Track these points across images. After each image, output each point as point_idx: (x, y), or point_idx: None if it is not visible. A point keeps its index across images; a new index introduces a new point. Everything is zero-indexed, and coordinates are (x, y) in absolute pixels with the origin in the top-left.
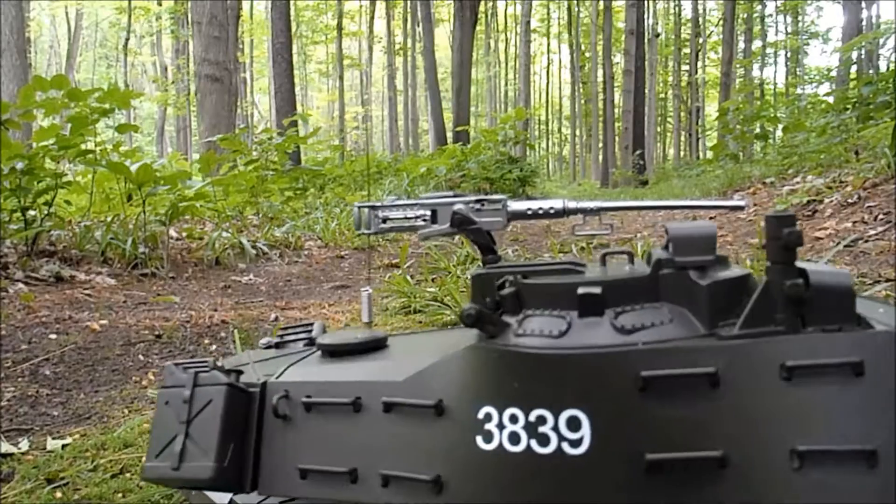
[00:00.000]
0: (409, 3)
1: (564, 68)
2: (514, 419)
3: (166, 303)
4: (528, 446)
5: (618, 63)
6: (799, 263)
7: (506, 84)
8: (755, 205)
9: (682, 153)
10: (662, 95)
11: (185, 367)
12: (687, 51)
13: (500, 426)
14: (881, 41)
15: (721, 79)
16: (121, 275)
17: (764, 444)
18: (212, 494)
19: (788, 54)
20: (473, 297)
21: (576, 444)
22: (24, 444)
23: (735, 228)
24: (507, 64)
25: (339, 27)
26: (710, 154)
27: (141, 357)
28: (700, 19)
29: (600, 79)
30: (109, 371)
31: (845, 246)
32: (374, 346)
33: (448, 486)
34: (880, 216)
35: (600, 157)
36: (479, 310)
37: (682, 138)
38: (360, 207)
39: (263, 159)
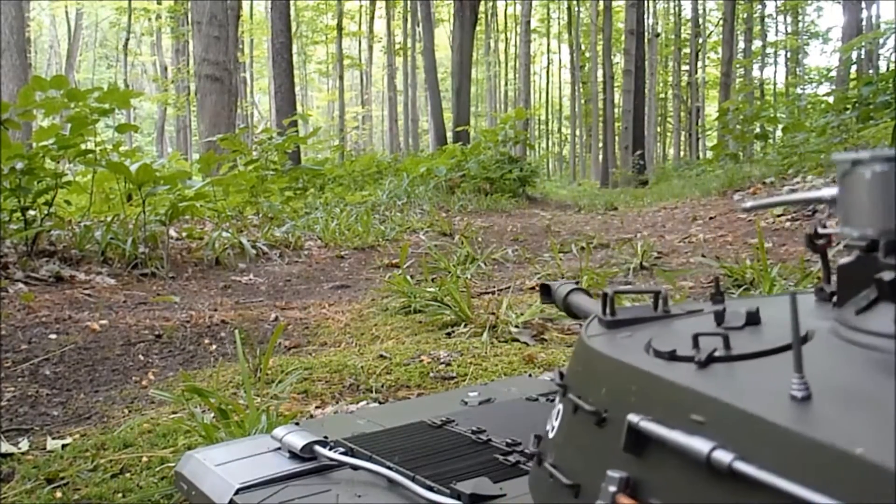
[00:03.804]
0: (409, 3)
1: (564, 68)
2: None
3: (166, 303)
4: None
5: (618, 63)
6: None
7: (506, 84)
8: None
9: (682, 153)
10: (662, 95)
11: None
12: (687, 51)
13: None
14: (881, 41)
15: (721, 79)
16: (121, 275)
17: None
18: (211, 494)
19: (788, 54)
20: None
21: None
22: (24, 444)
23: (735, 229)
24: (507, 64)
25: (339, 27)
26: (710, 154)
27: (141, 357)
28: (700, 19)
29: (600, 79)
30: (109, 371)
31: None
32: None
33: None
34: None
35: (600, 157)
36: None
37: (682, 138)
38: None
39: (263, 159)
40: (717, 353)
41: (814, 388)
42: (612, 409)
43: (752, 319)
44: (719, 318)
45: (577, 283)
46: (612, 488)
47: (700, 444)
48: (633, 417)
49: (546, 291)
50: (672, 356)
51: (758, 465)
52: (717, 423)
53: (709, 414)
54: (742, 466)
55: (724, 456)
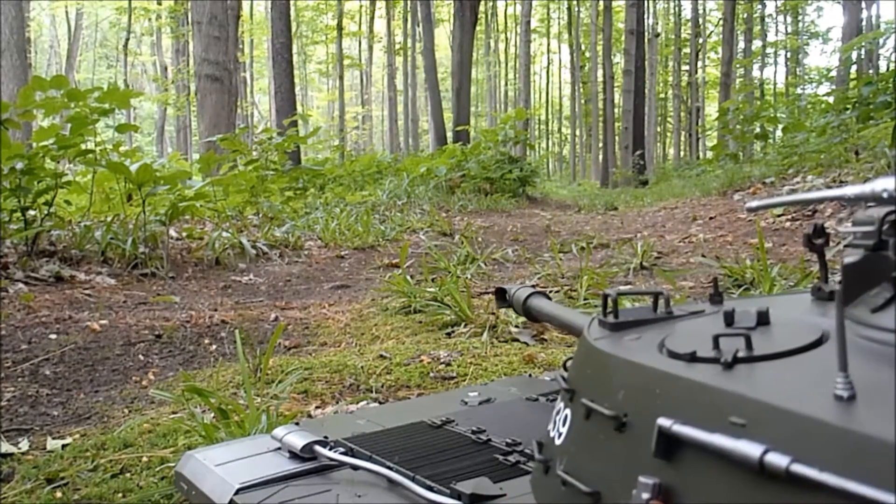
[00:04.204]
0: (409, 2)
1: (564, 68)
2: None
3: (166, 303)
4: None
5: (618, 63)
6: None
7: (506, 84)
8: None
9: (682, 153)
10: (662, 95)
11: None
12: (687, 51)
13: None
14: (881, 41)
15: (721, 79)
16: (121, 275)
17: None
18: (211, 494)
19: (788, 54)
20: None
21: None
22: (24, 444)
23: (735, 228)
24: (507, 64)
25: (339, 27)
26: (710, 154)
27: (141, 357)
28: (700, 19)
29: (600, 79)
30: (109, 371)
31: (847, 245)
32: None
33: None
34: None
35: (600, 157)
36: None
37: (682, 138)
38: None
39: (263, 159)
40: (740, 354)
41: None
42: (633, 414)
43: (763, 320)
44: (729, 318)
45: (534, 286)
46: (646, 495)
47: (749, 448)
48: (664, 422)
49: (501, 295)
50: (693, 358)
51: (814, 466)
52: (759, 425)
53: (750, 416)
54: (801, 469)
55: (779, 459)
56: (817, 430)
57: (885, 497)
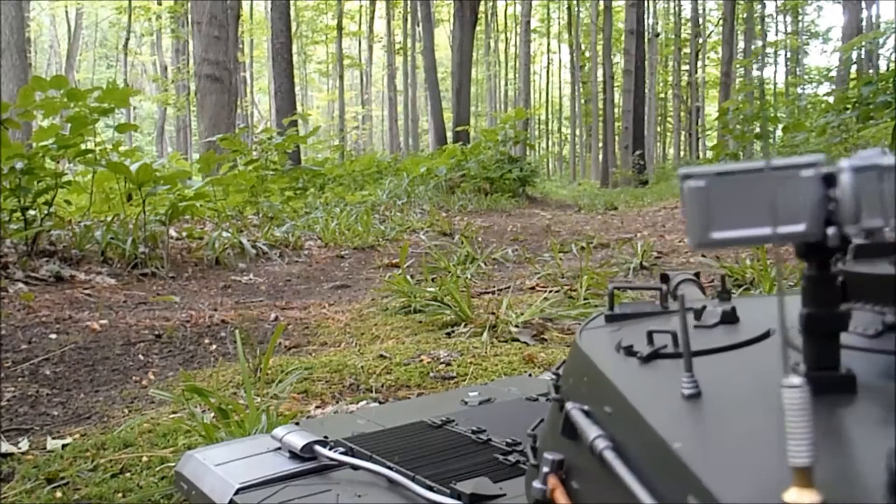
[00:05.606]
0: (409, 2)
1: (564, 68)
2: None
3: (166, 302)
4: None
5: (618, 63)
6: None
7: (506, 84)
8: None
9: (682, 153)
10: (662, 95)
11: None
12: (687, 51)
13: None
14: (881, 41)
15: (721, 79)
16: (121, 275)
17: None
18: (211, 494)
19: (788, 54)
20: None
21: None
22: (24, 444)
23: None
24: (507, 64)
25: (339, 27)
26: (710, 154)
27: (141, 357)
28: (700, 19)
29: (600, 78)
30: (109, 371)
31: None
32: None
33: None
34: None
35: (600, 157)
36: None
37: (682, 138)
38: None
39: (263, 159)
40: (666, 350)
41: (727, 386)
42: (570, 399)
43: (728, 318)
44: (698, 315)
45: (695, 273)
46: (546, 468)
47: (591, 431)
48: (569, 405)
49: (664, 282)
50: (629, 352)
51: (630, 456)
52: (617, 414)
53: (615, 406)
54: (608, 455)
55: (600, 444)
56: (637, 424)
57: (647, 500)
